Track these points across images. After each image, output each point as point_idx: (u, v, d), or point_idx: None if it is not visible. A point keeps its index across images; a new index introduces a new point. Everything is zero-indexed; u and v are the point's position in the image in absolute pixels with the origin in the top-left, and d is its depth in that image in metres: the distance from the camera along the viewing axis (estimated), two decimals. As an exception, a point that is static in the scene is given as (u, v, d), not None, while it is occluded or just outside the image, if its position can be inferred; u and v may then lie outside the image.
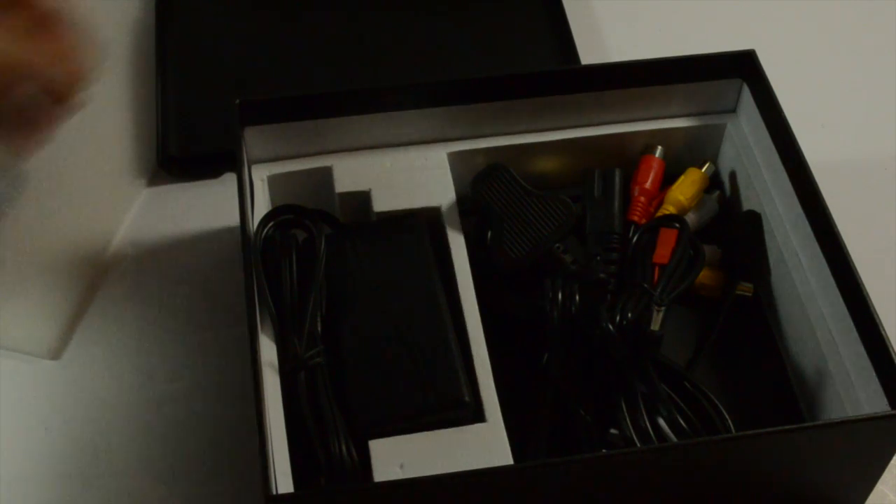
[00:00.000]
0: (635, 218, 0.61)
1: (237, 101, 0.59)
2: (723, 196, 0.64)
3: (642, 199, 0.62)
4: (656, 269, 0.57)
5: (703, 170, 0.63)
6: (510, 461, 0.50)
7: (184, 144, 0.70)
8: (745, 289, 0.60)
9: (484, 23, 0.78)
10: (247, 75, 0.74)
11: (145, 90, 0.73)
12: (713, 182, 0.64)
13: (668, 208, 0.61)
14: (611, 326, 0.54)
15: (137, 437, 0.58)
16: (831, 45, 0.78)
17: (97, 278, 0.64)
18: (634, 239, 0.59)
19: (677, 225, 0.59)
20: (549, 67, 0.72)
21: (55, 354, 0.61)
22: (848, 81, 0.76)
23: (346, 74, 0.74)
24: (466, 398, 0.52)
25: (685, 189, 0.62)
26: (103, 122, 0.71)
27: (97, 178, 0.68)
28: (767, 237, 0.60)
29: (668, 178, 0.63)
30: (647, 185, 0.62)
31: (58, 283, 0.63)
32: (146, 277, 0.64)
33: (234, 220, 0.57)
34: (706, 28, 0.78)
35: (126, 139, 0.70)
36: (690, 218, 0.61)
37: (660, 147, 0.63)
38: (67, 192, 0.66)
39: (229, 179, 0.68)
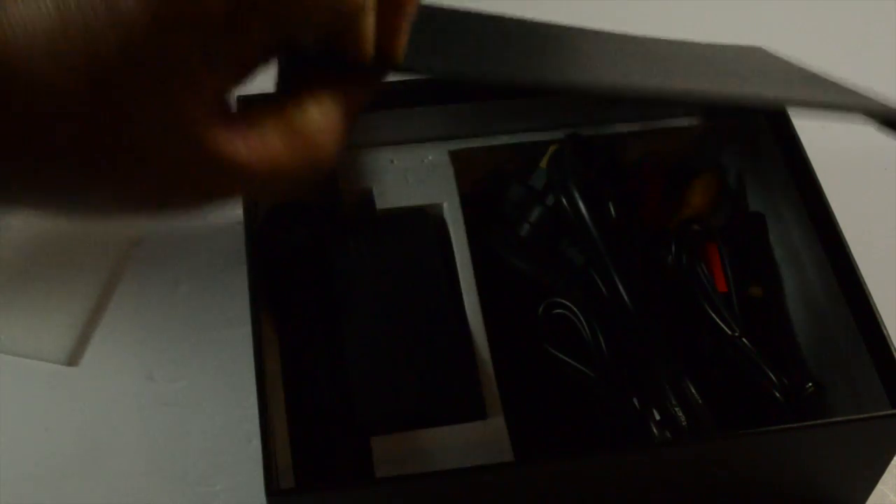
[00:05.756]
0: (647, 216, 0.61)
1: (238, 96, 0.58)
2: (728, 197, 0.64)
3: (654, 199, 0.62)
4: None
5: (717, 172, 0.63)
6: (511, 458, 0.50)
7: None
8: (756, 291, 0.60)
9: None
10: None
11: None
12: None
13: (686, 211, 0.61)
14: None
15: (139, 436, 0.58)
16: (831, 45, 0.78)
17: (108, 280, 0.63)
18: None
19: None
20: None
21: (73, 360, 0.60)
22: (847, 81, 0.76)
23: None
24: (469, 395, 0.52)
25: (702, 192, 0.62)
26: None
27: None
28: (771, 238, 0.60)
29: (670, 178, 0.63)
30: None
31: (72, 288, 0.62)
32: (153, 278, 0.64)
33: (241, 217, 0.56)
34: (708, 27, 0.78)
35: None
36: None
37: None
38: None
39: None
